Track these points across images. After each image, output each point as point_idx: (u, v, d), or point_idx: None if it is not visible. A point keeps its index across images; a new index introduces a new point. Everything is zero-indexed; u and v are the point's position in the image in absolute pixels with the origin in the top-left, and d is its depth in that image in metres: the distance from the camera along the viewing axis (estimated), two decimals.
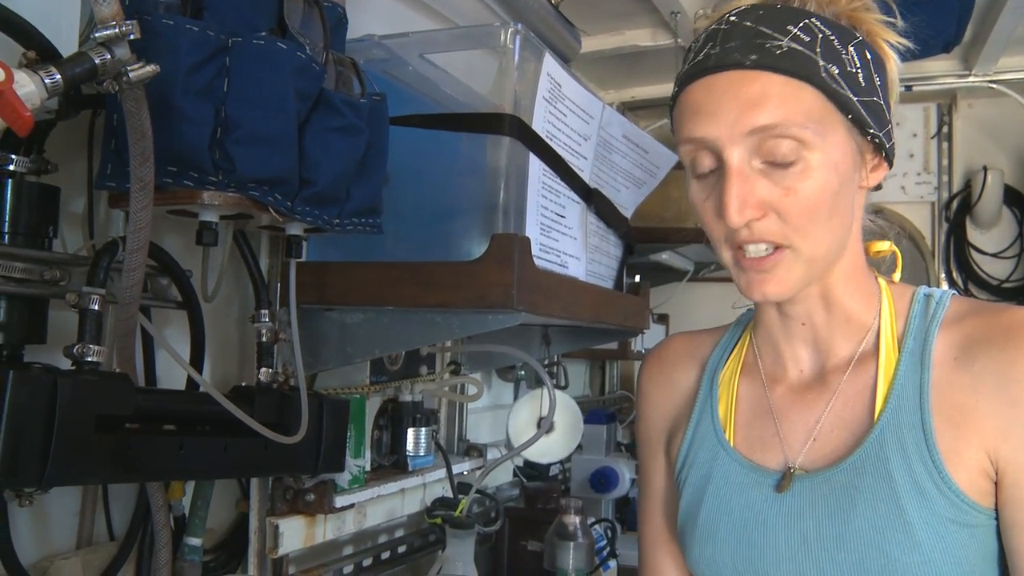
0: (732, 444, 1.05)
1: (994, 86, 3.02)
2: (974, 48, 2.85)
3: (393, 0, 1.78)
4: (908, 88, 3.14)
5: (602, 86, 3.25)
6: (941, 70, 3.09)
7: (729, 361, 1.12)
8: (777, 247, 0.91)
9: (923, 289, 1.02)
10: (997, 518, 0.91)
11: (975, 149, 3.38)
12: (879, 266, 1.07)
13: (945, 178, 3.44)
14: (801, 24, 0.90)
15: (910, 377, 0.95)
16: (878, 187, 1.03)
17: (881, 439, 0.93)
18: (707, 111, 0.91)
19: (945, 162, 3.44)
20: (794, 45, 0.89)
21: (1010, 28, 2.54)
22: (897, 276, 1.08)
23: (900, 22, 0.97)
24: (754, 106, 0.88)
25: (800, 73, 0.88)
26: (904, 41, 0.97)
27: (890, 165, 1.00)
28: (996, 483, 0.90)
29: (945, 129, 3.44)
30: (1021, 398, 0.89)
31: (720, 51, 0.91)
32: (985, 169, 3.27)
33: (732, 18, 0.93)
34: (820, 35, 0.90)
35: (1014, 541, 0.89)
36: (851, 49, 0.92)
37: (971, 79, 3.04)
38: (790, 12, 0.92)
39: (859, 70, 0.92)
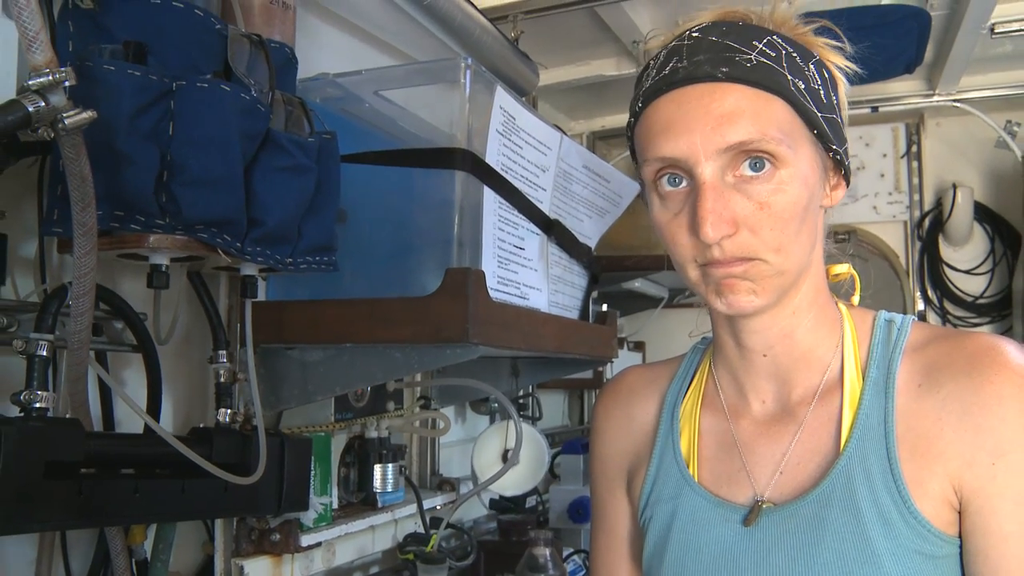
0: (697, 479, 1.02)
1: (959, 105, 3.05)
2: (936, 68, 2.88)
3: (349, 37, 1.79)
4: (875, 109, 3.18)
5: (571, 116, 3.27)
6: (907, 90, 3.13)
7: (689, 393, 1.10)
8: (748, 259, 0.90)
9: (883, 314, 1.01)
10: (961, 547, 0.90)
11: (944, 167, 3.41)
12: (837, 289, 1.06)
13: (916, 197, 3.46)
14: (765, 40, 0.90)
15: (874, 406, 0.94)
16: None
17: (847, 470, 0.92)
18: (679, 128, 0.89)
19: (916, 181, 3.47)
20: (762, 59, 0.89)
21: (968, 48, 2.58)
22: (856, 299, 1.07)
23: (849, 47, 0.97)
24: (729, 121, 0.87)
25: (771, 86, 0.88)
26: (852, 65, 0.97)
27: (847, 183, 0.99)
28: (960, 512, 0.89)
29: (914, 148, 3.47)
30: (985, 425, 0.88)
31: (689, 64, 0.89)
32: (955, 187, 3.30)
33: (695, 34, 0.92)
34: (784, 51, 0.91)
35: (977, 569, 0.88)
36: (811, 66, 0.92)
37: (936, 99, 3.07)
38: (753, 29, 0.92)
39: (820, 87, 0.92)
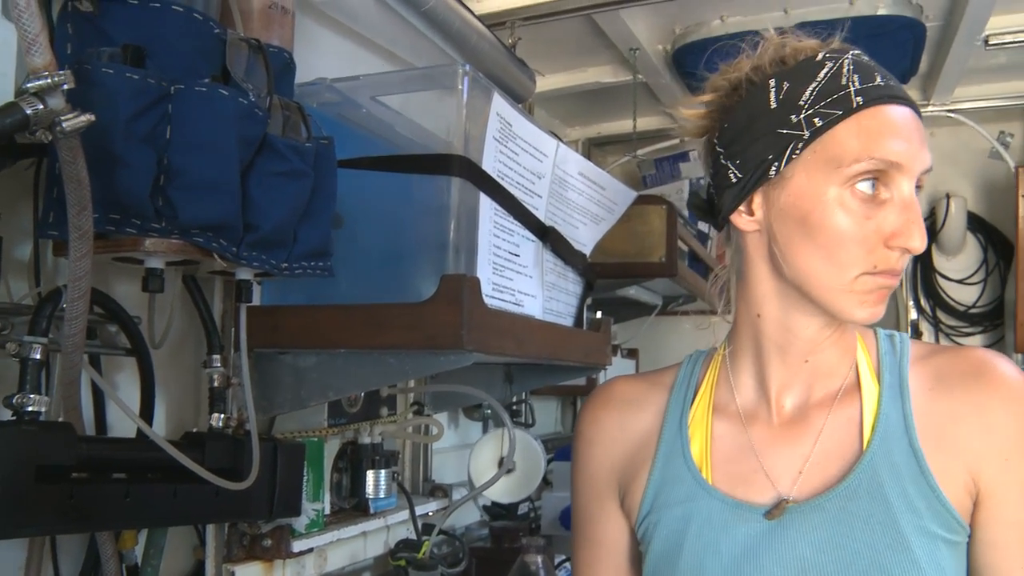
0: (711, 483, 1.04)
1: (952, 115, 3.07)
2: (930, 79, 2.90)
3: (347, 42, 1.79)
4: None
5: (567, 123, 3.28)
6: None
7: (697, 400, 1.11)
8: (899, 274, 0.97)
9: (881, 330, 1.08)
10: (970, 536, 0.95)
11: (938, 177, 3.42)
12: None
13: None
14: None
15: (893, 406, 0.99)
16: None
17: (873, 464, 0.96)
18: (904, 137, 0.94)
19: None
20: None
21: (962, 59, 2.59)
22: None
23: None
24: (926, 146, 0.96)
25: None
26: None
27: None
28: (976, 502, 0.95)
29: None
30: (998, 424, 0.95)
31: (894, 84, 0.97)
32: (948, 196, 3.32)
33: (858, 54, 0.98)
34: None
35: (990, 558, 0.94)
36: None
37: (930, 109, 3.09)
38: None
39: None
